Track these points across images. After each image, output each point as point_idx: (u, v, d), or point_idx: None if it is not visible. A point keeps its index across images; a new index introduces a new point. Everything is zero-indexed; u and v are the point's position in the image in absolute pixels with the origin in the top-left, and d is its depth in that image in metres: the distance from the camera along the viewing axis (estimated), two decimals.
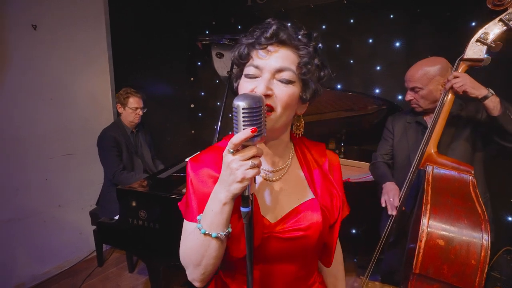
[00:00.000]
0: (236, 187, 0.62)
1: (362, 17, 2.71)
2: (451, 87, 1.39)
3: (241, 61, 0.75)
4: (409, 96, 1.66)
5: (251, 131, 0.60)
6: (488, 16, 1.35)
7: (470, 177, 1.36)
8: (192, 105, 4.03)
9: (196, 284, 0.74)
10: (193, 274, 0.72)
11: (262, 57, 0.71)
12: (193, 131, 4.10)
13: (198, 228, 0.68)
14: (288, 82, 0.69)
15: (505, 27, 1.31)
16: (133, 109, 2.45)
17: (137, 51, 3.13)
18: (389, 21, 2.56)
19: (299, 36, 0.71)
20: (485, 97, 1.36)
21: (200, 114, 4.04)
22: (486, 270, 1.15)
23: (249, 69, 0.72)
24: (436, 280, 1.25)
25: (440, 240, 1.22)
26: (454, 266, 1.19)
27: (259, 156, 0.63)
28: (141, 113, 2.49)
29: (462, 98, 1.47)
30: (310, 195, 0.77)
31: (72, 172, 2.65)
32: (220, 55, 1.83)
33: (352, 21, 2.75)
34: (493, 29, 1.33)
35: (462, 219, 1.22)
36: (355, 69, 2.81)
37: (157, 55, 3.39)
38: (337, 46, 2.85)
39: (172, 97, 3.79)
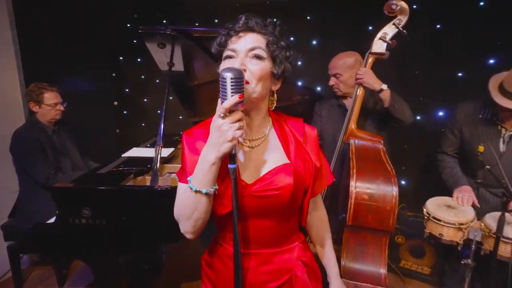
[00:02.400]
0: (226, 146, 0.74)
1: (283, 17, 3.01)
2: (356, 80, 1.78)
3: (220, 49, 0.88)
4: (332, 81, 2.01)
5: (239, 97, 0.72)
6: (385, 21, 1.74)
7: (380, 145, 1.74)
8: (116, 103, 3.78)
9: (188, 236, 0.86)
10: (185, 226, 0.84)
11: (235, 41, 0.84)
12: (118, 130, 3.85)
13: (190, 187, 0.79)
14: (259, 57, 0.83)
15: (396, 29, 1.71)
16: (51, 106, 2.22)
17: (51, 44, 2.81)
18: (306, 21, 2.92)
19: (266, 24, 0.86)
20: (380, 90, 1.76)
21: (125, 112, 3.82)
22: (396, 212, 1.52)
23: (226, 53, 0.85)
24: (364, 228, 1.57)
25: (365, 195, 1.54)
26: (376, 214, 1.53)
27: (243, 120, 0.76)
28: (62, 108, 2.27)
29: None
30: (285, 160, 0.91)
31: None
32: (163, 45, 1.83)
33: (274, 20, 3.02)
34: (389, 30, 1.72)
35: (378, 177, 1.57)
36: None
37: (74, 48, 3.09)
38: None
39: (92, 94, 3.49)
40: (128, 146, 2.52)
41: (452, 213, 1.77)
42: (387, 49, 1.74)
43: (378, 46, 1.75)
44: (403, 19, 1.70)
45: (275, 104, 0.92)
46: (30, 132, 2.13)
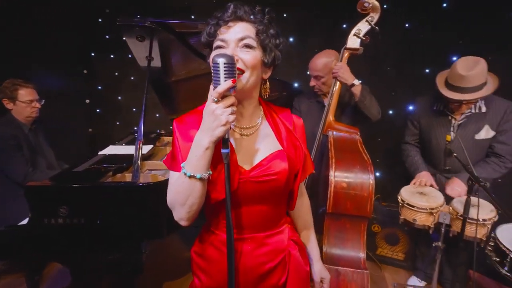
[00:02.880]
0: (220, 130, 0.75)
1: None
2: (332, 74, 1.86)
3: (209, 39, 0.88)
4: (313, 82, 2.08)
5: (232, 82, 0.74)
6: (359, 19, 1.82)
7: (357, 136, 1.82)
8: (88, 101, 3.64)
9: (182, 222, 0.86)
10: (180, 213, 0.84)
11: (225, 31, 0.85)
12: (90, 130, 3.71)
13: (184, 173, 0.79)
14: (250, 47, 0.84)
15: (369, 26, 1.80)
16: (27, 102, 2.13)
17: (18, 39, 2.66)
18: (283, 19, 2.97)
19: (255, 12, 0.87)
20: (352, 85, 1.85)
21: (98, 110, 3.68)
22: (373, 199, 1.60)
23: (216, 43, 0.85)
24: (343, 215, 1.64)
25: (343, 184, 1.61)
26: (354, 201, 1.60)
27: (235, 105, 0.77)
28: (38, 105, 2.18)
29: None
30: (279, 147, 0.94)
31: None
32: (142, 38, 1.79)
33: (263, 8, 3.06)
34: (363, 27, 1.81)
35: (356, 166, 1.64)
36: None
37: (43, 44, 2.94)
38: None
39: (62, 92, 3.33)
40: (102, 146, 2.44)
41: (424, 199, 1.89)
42: (361, 45, 1.82)
43: (353, 41, 1.82)
44: (375, 16, 1.79)
45: (268, 92, 0.94)
46: (6, 129, 2.03)
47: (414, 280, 2.40)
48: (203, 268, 0.98)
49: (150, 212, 1.61)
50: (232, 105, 0.76)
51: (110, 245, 1.60)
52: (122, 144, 2.51)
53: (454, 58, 2.44)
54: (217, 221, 0.95)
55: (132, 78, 3.50)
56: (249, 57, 0.83)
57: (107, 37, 3.41)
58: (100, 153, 2.18)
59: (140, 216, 1.59)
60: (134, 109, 3.53)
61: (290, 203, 1.02)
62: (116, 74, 3.52)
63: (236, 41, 0.84)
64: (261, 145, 0.93)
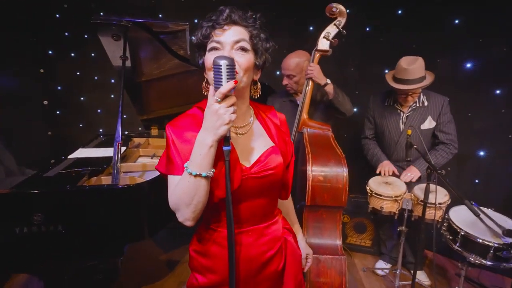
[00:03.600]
0: (223, 129, 0.79)
1: None
2: (306, 75, 1.97)
3: (204, 40, 0.90)
4: (286, 81, 2.19)
5: (234, 82, 0.79)
6: (325, 22, 1.95)
7: (329, 132, 1.95)
8: (46, 102, 3.41)
9: (187, 223, 0.87)
10: (185, 213, 0.86)
11: (220, 34, 0.88)
12: (50, 132, 3.47)
13: (189, 172, 0.82)
14: (245, 50, 0.89)
15: (337, 29, 1.94)
16: None
17: None
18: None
19: (248, 17, 0.92)
20: (325, 84, 1.99)
21: (58, 112, 3.46)
22: (347, 189, 1.73)
23: (212, 45, 0.89)
24: (321, 206, 1.75)
25: (320, 177, 1.72)
26: (330, 192, 1.72)
27: (235, 105, 0.82)
28: None
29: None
30: (271, 143, 1.00)
31: None
32: (117, 37, 1.74)
33: (255, 14, 3.09)
34: (332, 30, 1.94)
35: (331, 160, 1.76)
36: None
37: None
38: None
39: (16, 93, 3.09)
40: (64, 149, 2.32)
41: (389, 187, 2.09)
42: (330, 47, 1.96)
43: (323, 44, 1.95)
44: (342, 21, 1.93)
45: (259, 93, 0.99)
46: None
47: (381, 264, 2.61)
48: (207, 266, 1.00)
49: (133, 214, 1.59)
50: (233, 104, 0.81)
51: (91, 251, 1.55)
52: (91, 147, 2.41)
53: None
54: (218, 218, 0.97)
55: (96, 78, 3.34)
56: (243, 60, 0.88)
57: (66, 34, 3.23)
58: (70, 156, 2.08)
59: (124, 218, 1.56)
60: (99, 110, 3.38)
61: (283, 194, 1.09)
62: (78, 73, 3.34)
63: (232, 43, 0.88)
64: (256, 142, 0.99)
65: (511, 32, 2.35)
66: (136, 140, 2.77)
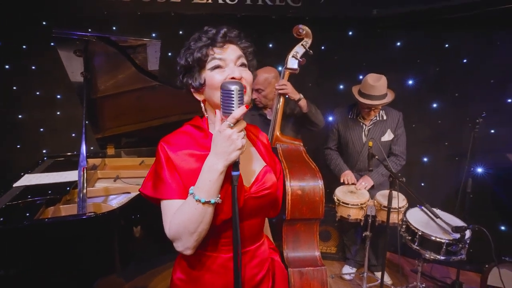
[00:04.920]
0: (236, 154, 0.78)
1: (188, 30, 3.04)
2: (279, 91, 2.03)
3: (203, 59, 0.88)
4: (255, 95, 2.22)
5: (246, 107, 0.78)
6: (284, 40, 2.05)
7: (301, 147, 2.02)
8: None
9: (188, 252, 0.84)
10: (188, 242, 0.82)
11: (220, 52, 0.88)
12: None
13: (197, 199, 0.78)
14: (246, 66, 0.91)
15: (304, 49, 2.05)
16: None
17: None
18: None
19: (241, 36, 0.94)
20: (299, 99, 2.09)
21: None
22: (324, 201, 1.80)
23: (214, 62, 0.87)
24: (300, 219, 1.80)
25: (298, 191, 1.77)
26: (309, 205, 1.77)
27: (245, 130, 0.81)
28: None
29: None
30: (263, 163, 1.00)
31: None
32: (80, 53, 1.59)
33: (181, 32, 3.03)
34: (299, 50, 2.04)
35: (307, 174, 1.82)
36: None
37: None
38: (169, 54, 3.03)
39: None
40: (3, 176, 2.03)
41: (355, 196, 2.23)
42: (298, 66, 2.05)
43: (292, 63, 2.04)
44: (308, 41, 2.04)
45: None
46: None
47: (347, 269, 2.75)
48: None
49: (104, 246, 1.44)
50: (243, 129, 0.80)
51: None
52: (39, 172, 2.13)
53: (361, 77, 2.96)
54: (216, 242, 0.94)
55: (37, 93, 2.99)
56: (247, 75, 0.90)
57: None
58: (15, 185, 1.81)
59: (94, 252, 1.40)
60: (41, 129, 3.01)
61: (273, 211, 1.08)
62: (15, 88, 2.95)
63: (235, 60, 0.89)
64: (252, 162, 0.99)
65: (441, 56, 2.74)
66: (91, 161, 2.52)
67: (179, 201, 0.84)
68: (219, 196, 0.82)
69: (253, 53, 0.96)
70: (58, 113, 3.05)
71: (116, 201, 1.81)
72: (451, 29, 2.65)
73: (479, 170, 2.56)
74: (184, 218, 0.81)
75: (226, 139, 0.77)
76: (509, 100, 2.55)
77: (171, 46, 2.79)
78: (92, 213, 1.45)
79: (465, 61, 2.68)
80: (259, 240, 1.03)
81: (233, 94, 0.77)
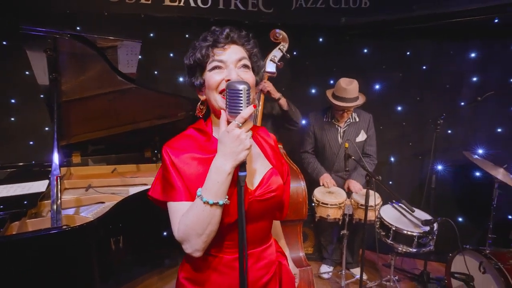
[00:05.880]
0: (244, 154, 0.77)
1: (159, 32, 2.96)
2: (261, 88, 2.07)
3: (204, 60, 0.87)
4: None
5: (253, 107, 0.78)
6: (272, 46, 2.08)
7: (282, 150, 2.04)
8: None
9: (197, 254, 0.82)
10: (196, 244, 0.81)
11: (221, 53, 0.87)
12: None
13: (205, 201, 0.77)
14: (247, 67, 0.90)
15: (282, 53, 2.09)
16: None
17: None
18: (186, 39, 2.98)
19: (244, 36, 0.93)
20: (279, 98, 2.13)
21: None
22: (307, 202, 1.84)
23: (214, 64, 0.86)
24: (284, 221, 1.80)
25: None
26: (293, 207, 1.79)
27: (251, 129, 0.81)
28: None
29: (265, 99, 2.17)
30: (270, 165, 0.99)
31: None
32: (51, 52, 1.45)
33: (152, 35, 2.94)
34: (277, 54, 2.07)
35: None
36: (161, 79, 3.02)
37: None
38: (140, 57, 2.91)
39: None
40: None
41: (333, 196, 2.30)
42: (276, 69, 2.08)
43: (270, 66, 2.06)
44: (285, 45, 2.09)
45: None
46: None
47: (324, 268, 2.81)
48: None
49: (82, 261, 1.33)
50: (250, 129, 0.80)
51: None
52: None
53: (331, 81, 3.08)
54: (220, 243, 0.92)
55: None
56: (249, 77, 0.89)
57: None
58: None
59: (70, 270, 1.28)
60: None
61: (278, 214, 1.08)
62: None
63: (235, 62, 0.88)
64: (257, 164, 0.98)
65: (403, 63, 2.95)
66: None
67: (187, 203, 0.83)
68: (227, 197, 0.81)
69: (258, 54, 0.95)
70: (13, 119, 2.78)
71: (88, 212, 1.68)
72: (412, 38, 2.86)
73: (439, 167, 2.78)
74: (192, 220, 0.80)
75: (235, 139, 0.76)
76: (462, 103, 2.81)
77: (142, 49, 2.70)
78: (68, 227, 1.33)
79: (424, 67, 2.91)
80: (265, 242, 1.02)
81: (241, 93, 0.76)
